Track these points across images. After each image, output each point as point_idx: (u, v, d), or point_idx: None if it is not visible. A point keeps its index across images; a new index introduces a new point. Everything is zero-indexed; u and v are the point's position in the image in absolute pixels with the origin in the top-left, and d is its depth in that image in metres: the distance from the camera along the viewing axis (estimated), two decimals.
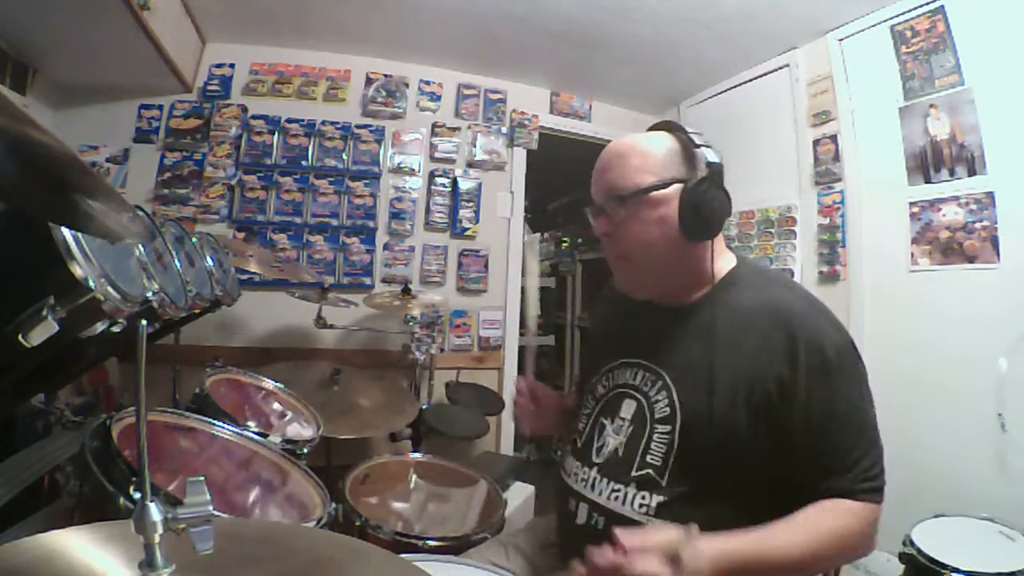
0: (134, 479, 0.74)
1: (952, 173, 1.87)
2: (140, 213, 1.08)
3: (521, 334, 2.99)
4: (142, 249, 0.94)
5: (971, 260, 1.81)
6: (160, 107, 2.58)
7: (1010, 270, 1.72)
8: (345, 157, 2.77)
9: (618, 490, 0.87)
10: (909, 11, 1.99)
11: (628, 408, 0.91)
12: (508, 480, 2.05)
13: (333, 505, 1.07)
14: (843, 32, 2.24)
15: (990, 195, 1.77)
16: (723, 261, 0.93)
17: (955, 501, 1.51)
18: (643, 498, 0.84)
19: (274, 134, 2.69)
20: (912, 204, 1.98)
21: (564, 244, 4.92)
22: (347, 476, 1.37)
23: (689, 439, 0.83)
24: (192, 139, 2.58)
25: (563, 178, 4.35)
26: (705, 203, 0.85)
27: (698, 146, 0.88)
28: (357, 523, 1.23)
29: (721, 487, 0.81)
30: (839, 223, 2.24)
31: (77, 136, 2.43)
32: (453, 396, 2.59)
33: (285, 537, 0.69)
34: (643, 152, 0.89)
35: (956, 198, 1.86)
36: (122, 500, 0.72)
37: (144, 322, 0.50)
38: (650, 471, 0.85)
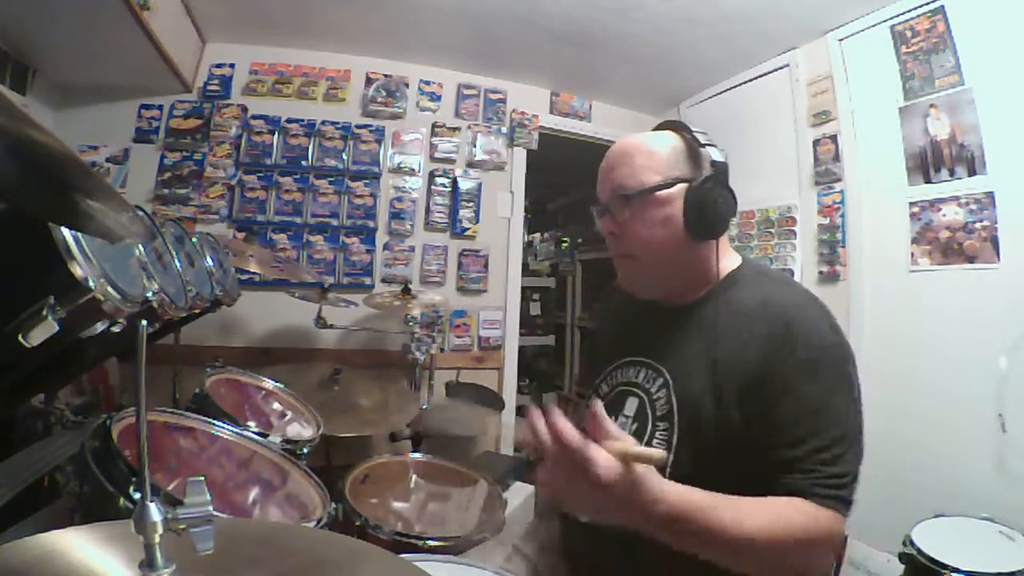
0: (134, 479, 0.74)
1: (952, 173, 1.87)
2: (140, 213, 1.08)
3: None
4: (142, 249, 0.94)
5: (971, 260, 1.81)
6: (160, 107, 2.58)
7: (1010, 270, 1.72)
8: (345, 157, 2.77)
9: None
10: (909, 11, 1.99)
11: (631, 406, 0.92)
12: (508, 480, 2.05)
13: (333, 505, 1.07)
14: (843, 32, 2.24)
15: (990, 195, 1.77)
16: (727, 261, 0.93)
17: (955, 501, 1.51)
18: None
19: (274, 134, 2.69)
20: (912, 204, 1.98)
21: (564, 244, 4.92)
22: (347, 476, 1.37)
23: (687, 436, 0.83)
24: (192, 139, 2.58)
25: (563, 178, 4.36)
26: (709, 202, 0.86)
27: (703, 145, 0.88)
28: (357, 523, 1.23)
29: (724, 484, 0.80)
30: (839, 223, 2.24)
31: (77, 136, 2.43)
32: (453, 396, 2.59)
33: (285, 537, 0.69)
34: (648, 152, 0.90)
35: (956, 198, 1.86)
36: (122, 500, 0.72)
37: (144, 322, 0.50)
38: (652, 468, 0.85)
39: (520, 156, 3.06)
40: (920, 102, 1.96)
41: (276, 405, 1.58)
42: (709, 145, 0.89)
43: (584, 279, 4.62)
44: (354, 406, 1.88)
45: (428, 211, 2.89)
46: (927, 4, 1.94)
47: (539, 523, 1.13)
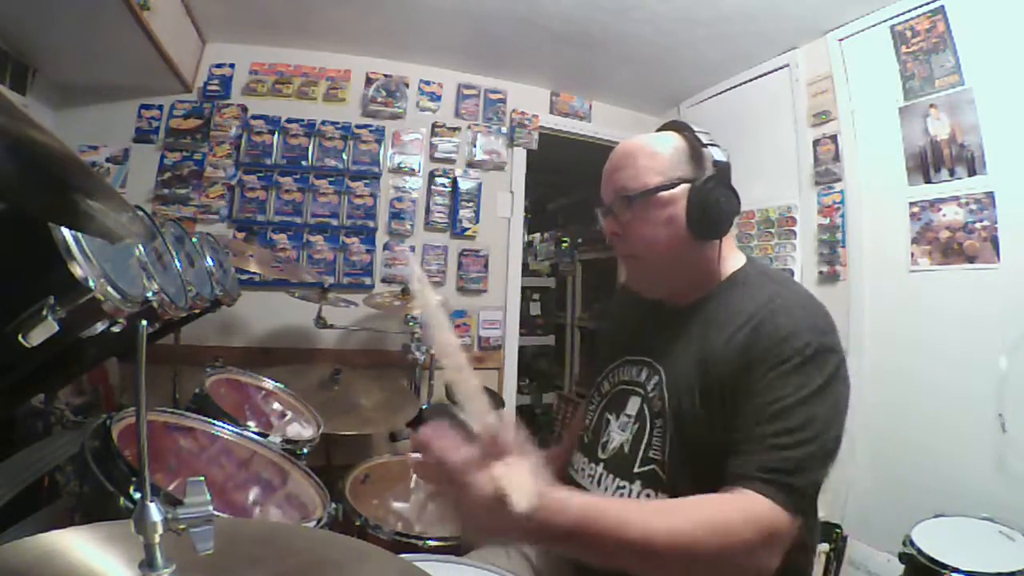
0: (134, 479, 0.74)
1: (952, 173, 1.87)
2: (140, 213, 1.08)
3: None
4: (142, 249, 0.94)
5: (971, 260, 1.81)
6: (160, 107, 2.58)
7: (1010, 270, 1.72)
8: (345, 157, 2.77)
9: (623, 487, 0.87)
10: (909, 11, 1.99)
11: (633, 404, 0.92)
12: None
13: (333, 505, 1.07)
14: (843, 32, 2.24)
15: (990, 195, 1.77)
16: (731, 261, 0.93)
17: (955, 501, 1.51)
18: (647, 496, 0.84)
19: (274, 134, 2.69)
20: (912, 204, 1.98)
21: (564, 244, 4.92)
22: (347, 476, 1.37)
23: (682, 435, 0.83)
24: (192, 139, 2.58)
25: (563, 178, 4.36)
26: (712, 202, 0.86)
27: (705, 145, 0.88)
28: (357, 523, 1.23)
29: (716, 482, 0.80)
30: (839, 223, 2.24)
31: (77, 136, 2.43)
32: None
33: (285, 537, 0.70)
34: (651, 152, 0.90)
35: (956, 198, 1.85)
36: (122, 500, 0.72)
37: (144, 322, 0.50)
38: (654, 467, 0.85)
39: (520, 156, 3.06)
40: (920, 102, 1.96)
41: (276, 405, 1.58)
42: (711, 145, 0.89)
43: (584, 279, 4.62)
44: (354, 406, 1.88)
45: (428, 211, 2.89)
46: (927, 4, 1.94)
47: None
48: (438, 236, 2.91)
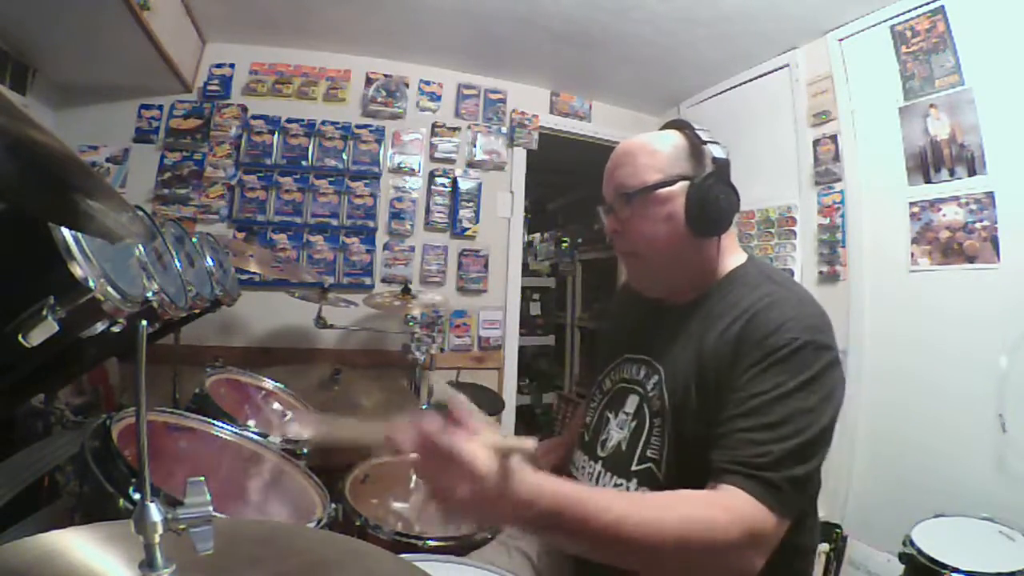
0: (134, 479, 0.74)
1: (952, 173, 1.87)
2: (140, 213, 1.08)
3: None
4: (142, 249, 0.94)
5: (971, 260, 1.81)
6: (160, 107, 2.58)
7: (1010, 270, 1.72)
8: (345, 157, 2.77)
9: (620, 484, 0.87)
10: (909, 11, 1.99)
11: (632, 403, 0.92)
12: None
13: (333, 505, 1.07)
14: (843, 32, 2.24)
15: (990, 195, 1.77)
16: (732, 259, 0.93)
17: (955, 501, 1.51)
18: (644, 493, 0.84)
19: (274, 134, 2.69)
20: (912, 204, 1.98)
21: (564, 244, 4.92)
22: (347, 476, 1.37)
23: (679, 433, 0.83)
24: (192, 139, 2.58)
25: (563, 178, 4.36)
26: (711, 199, 0.86)
27: (705, 143, 0.89)
28: (357, 523, 1.23)
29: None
30: (839, 223, 2.24)
31: (77, 136, 2.43)
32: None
33: (285, 537, 0.69)
34: (650, 150, 0.90)
35: (956, 198, 1.85)
36: (122, 500, 0.72)
37: (144, 322, 0.50)
38: (651, 465, 0.85)
39: (520, 156, 3.06)
40: (920, 102, 1.96)
41: (276, 405, 1.58)
42: (711, 142, 0.89)
43: (584, 279, 4.62)
44: (354, 406, 1.88)
45: (428, 211, 2.89)
46: (927, 4, 1.94)
47: None
48: (438, 236, 2.91)
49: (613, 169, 0.93)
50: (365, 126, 2.80)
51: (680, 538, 0.64)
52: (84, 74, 2.35)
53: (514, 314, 3.06)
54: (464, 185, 2.93)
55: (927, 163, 1.94)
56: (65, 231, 0.64)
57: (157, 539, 0.45)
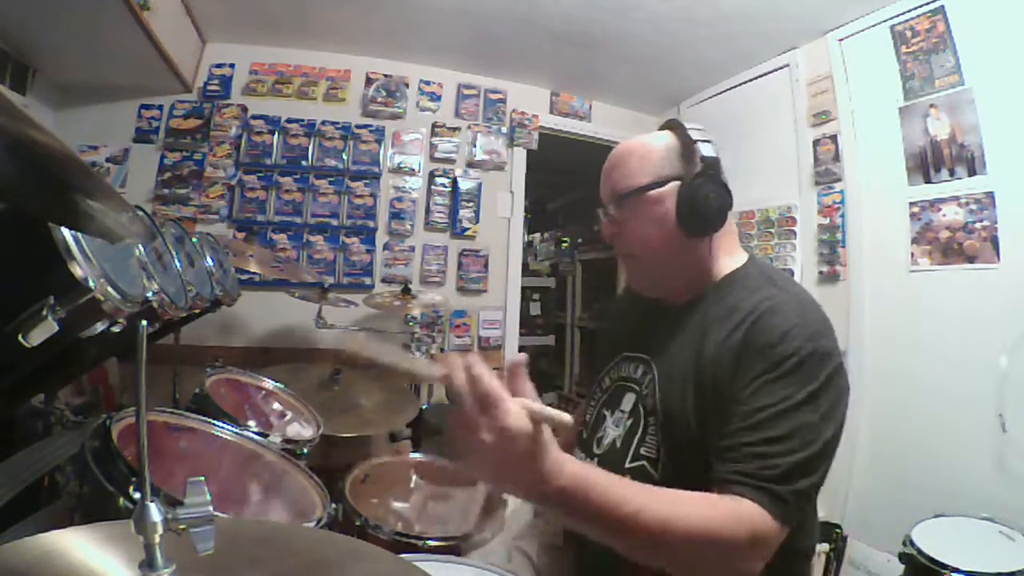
0: (134, 479, 0.74)
1: (952, 173, 1.87)
2: (140, 213, 1.08)
3: None
4: (142, 249, 0.94)
5: (971, 260, 1.81)
6: (160, 107, 2.58)
7: (1010, 270, 1.72)
8: (345, 157, 2.77)
9: None
10: (909, 11, 1.99)
11: (628, 401, 0.92)
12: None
13: (333, 505, 1.07)
14: (843, 32, 2.24)
15: (990, 195, 1.77)
16: (731, 259, 0.92)
17: (955, 501, 1.51)
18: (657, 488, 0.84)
19: (274, 134, 2.69)
20: (912, 204, 1.98)
21: (564, 244, 4.92)
22: (347, 476, 1.37)
23: (674, 432, 0.83)
24: (192, 139, 2.58)
25: (563, 178, 4.37)
26: (701, 198, 0.86)
27: (695, 142, 0.88)
28: (357, 523, 1.23)
29: (705, 483, 0.79)
30: (839, 223, 2.24)
31: (77, 136, 2.43)
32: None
33: (285, 537, 0.69)
34: (642, 153, 0.91)
35: (956, 198, 1.86)
36: (122, 500, 0.72)
37: (144, 322, 0.50)
38: (645, 463, 0.85)
39: (520, 156, 3.06)
40: (920, 102, 1.96)
41: (276, 405, 1.58)
42: (702, 141, 0.89)
43: (584, 279, 4.62)
44: (354, 406, 1.88)
45: (428, 211, 2.89)
46: (927, 4, 1.94)
47: (539, 521, 1.13)
48: (438, 236, 2.91)
49: (608, 172, 0.94)
50: (365, 126, 2.80)
51: (690, 535, 0.65)
52: (84, 74, 2.36)
53: (514, 314, 3.06)
54: (464, 185, 2.93)
55: (927, 163, 1.94)
56: (65, 231, 0.64)
57: (157, 539, 0.45)
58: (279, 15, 2.47)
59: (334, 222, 2.74)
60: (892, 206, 2.04)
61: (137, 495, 0.57)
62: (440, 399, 2.60)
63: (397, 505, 1.39)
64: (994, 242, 1.76)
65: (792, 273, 2.37)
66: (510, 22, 2.42)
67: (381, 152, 2.82)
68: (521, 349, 3.15)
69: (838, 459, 0.78)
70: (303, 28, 2.58)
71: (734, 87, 2.80)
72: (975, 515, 1.43)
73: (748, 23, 2.29)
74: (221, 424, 1.15)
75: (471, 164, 2.97)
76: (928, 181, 1.94)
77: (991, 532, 1.38)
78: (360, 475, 1.42)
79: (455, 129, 2.95)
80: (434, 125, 2.92)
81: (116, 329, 0.77)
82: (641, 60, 2.69)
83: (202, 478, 0.48)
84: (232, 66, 2.68)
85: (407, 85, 2.87)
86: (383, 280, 2.79)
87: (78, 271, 0.64)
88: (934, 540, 1.31)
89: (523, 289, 3.25)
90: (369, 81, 2.82)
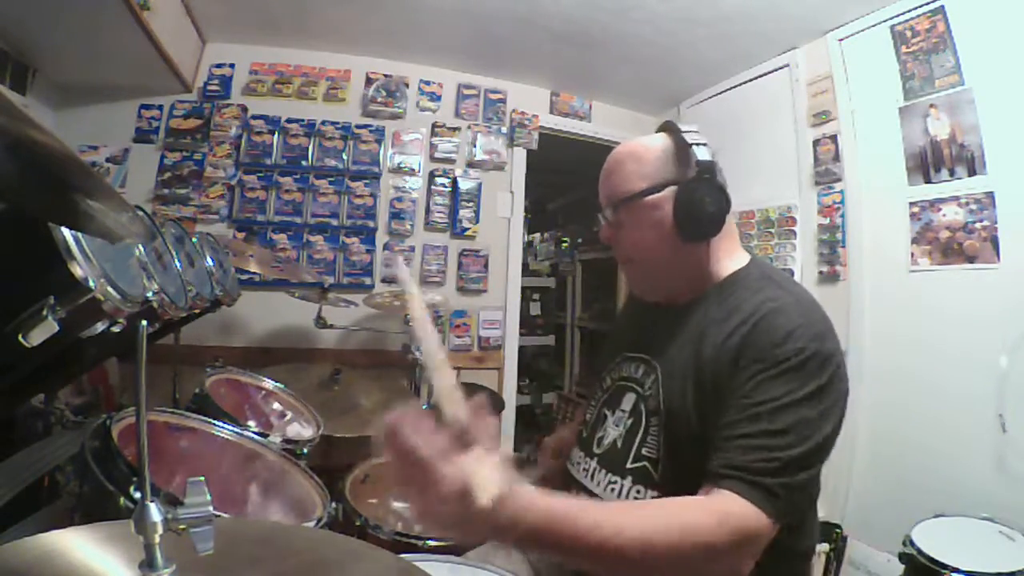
0: (134, 479, 0.74)
1: (952, 173, 1.87)
2: (140, 213, 1.08)
3: None
4: (142, 249, 0.94)
5: (971, 260, 1.81)
6: (160, 107, 2.58)
7: (1010, 270, 1.71)
8: (345, 157, 2.77)
9: (614, 482, 0.87)
10: (909, 11, 1.99)
11: (628, 401, 0.92)
12: None
13: (333, 505, 1.07)
14: (843, 32, 2.24)
15: (990, 195, 1.77)
16: (732, 260, 0.92)
17: (955, 501, 1.51)
18: (638, 492, 0.84)
19: (274, 134, 2.69)
20: (912, 204, 1.98)
21: (564, 244, 4.92)
22: (347, 476, 1.37)
23: (675, 433, 0.83)
24: (192, 139, 2.58)
25: (563, 178, 4.36)
26: (696, 203, 0.85)
27: (691, 145, 0.88)
28: (357, 523, 1.23)
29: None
30: (839, 223, 2.24)
31: (77, 136, 2.43)
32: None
33: (285, 537, 0.70)
34: (638, 157, 0.91)
35: (956, 198, 1.85)
36: (122, 500, 0.72)
37: (144, 322, 0.50)
38: (646, 463, 0.85)
39: (520, 156, 3.06)
40: (920, 102, 1.96)
41: (276, 405, 1.58)
42: (697, 144, 0.88)
43: (584, 279, 4.62)
44: (354, 406, 1.89)
45: (428, 211, 2.89)
46: (927, 4, 1.94)
47: None
48: (438, 236, 2.91)
49: (604, 177, 0.94)
50: (365, 126, 2.80)
51: (671, 548, 0.64)
52: (84, 74, 2.35)
53: (514, 314, 3.06)
54: (464, 185, 2.93)
55: (927, 163, 1.94)
56: (65, 231, 0.64)
57: (157, 539, 0.45)
58: (279, 15, 2.47)
59: (334, 222, 2.74)
60: (892, 206, 2.04)
61: (137, 495, 0.57)
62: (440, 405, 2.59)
63: (397, 505, 1.39)
64: (994, 242, 1.76)
65: (792, 273, 2.37)
66: (510, 22, 2.42)
67: (381, 152, 2.81)
68: (521, 349, 3.16)
69: (838, 459, 0.78)
70: (303, 28, 2.58)
71: (734, 87, 2.80)
72: (975, 515, 1.44)
73: (748, 23, 2.29)
74: (221, 424, 1.15)
75: (471, 164, 2.97)
76: (928, 181, 1.94)
77: (991, 532, 1.38)
78: (360, 475, 1.42)
79: (455, 129, 2.95)
80: (434, 125, 2.92)
81: (116, 329, 0.77)
82: (641, 60, 2.69)
83: (202, 478, 0.48)
84: (232, 66, 2.68)
85: (407, 85, 2.87)
86: (383, 280, 2.78)
87: (78, 271, 0.64)
88: (934, 540, 1.31)
89: (523, 289, 3.24)
90: (369, 81, 2.82)
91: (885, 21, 2.07)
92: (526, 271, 3.80)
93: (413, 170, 2.87)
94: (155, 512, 0.45)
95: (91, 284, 0.66)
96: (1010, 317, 1.66)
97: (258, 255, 2.18)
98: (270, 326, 2.66)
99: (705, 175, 0.86)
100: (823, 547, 1.84)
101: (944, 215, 1.89)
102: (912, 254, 1.97)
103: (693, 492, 0.75)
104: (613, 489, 0.87)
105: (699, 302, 0.90)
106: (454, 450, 0.57)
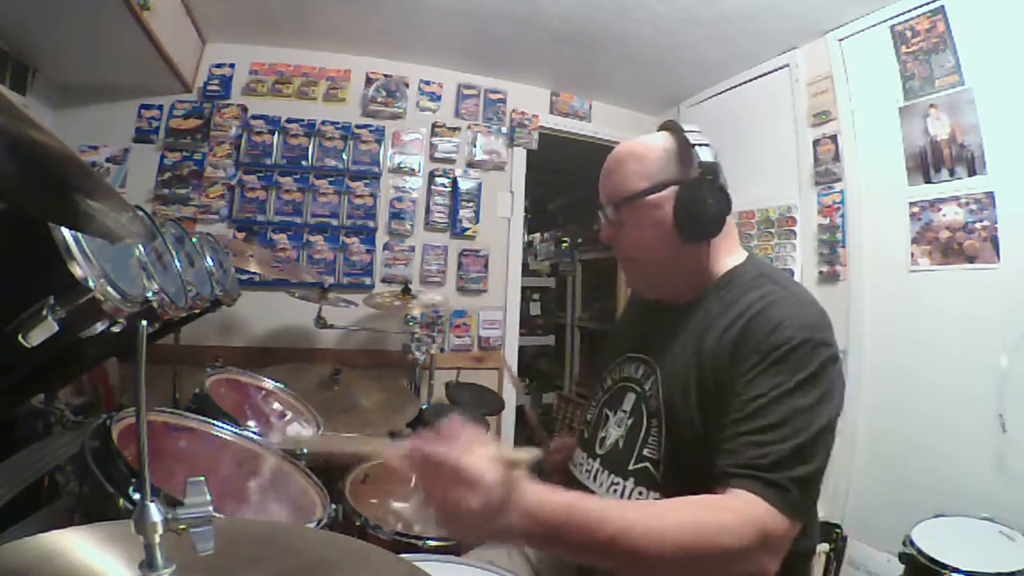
0: (134, 479, 0.74)
1: (952, 173, 1.87)
2: (140, 213, 1.08)
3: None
4: (142, 249, 0.94)
5: (971, 260, 1.81)
6: (160, 107, 2.58)
7: (1010, 270, 1.71)
8: (345, 157, 2.77)
9: (617, 483, 0.87)
10: (909, 11, 1.99)
11: (629, 401, 0.92)
12: None
13: (333, 505, 1.07)
14: (843, 32, 2.24)
15: (990, 195, 1.77)
16: (730, 259, 0.92)
17: (955, 501, 1.51)
18: (640, 494, 0.84)
19: (274, 134, 2.69)
20: (912, 204, 1.98)
21: (564, 244, 4.92)
22: (347, 476, 1.37)
23: (677, 434, 0.83)
24: (192, 139, 2.58)
25: (563, 178, 4.36)
26: (698, 204, 0.85)
27: (693, 145, 0.88)
28: (357, 523, 1.23)
29: (708, 482, 0.78)
30: (839, 223, 2.24)
31: (77, 136, 2.43)
32: (453, 396, 2.59)
33: (285, 537, 0.70)
34: (639, 156, 0.91)
35: (956, 198, 1.85)
36: (122, 500, 0.72)
37: (144, 322, 0.50)
38: (647, 465, 0.85)
39: (520, 156, 3.06)
40: (920, 102, 1.96)
41: (276, 405, 1.58)
42: (700, 145, 0.88)
43: (584, 279, 4.62)
44: (354, 406, 1.89)
45: (428, 211, 2.89)
46: (927, 4, 1.94)
47: None
48: (438, 236, 2.91)
49: (605, 176, 0.94)
50: (365, 126, 2.80)
51: (689, 545, 0.63)
52: (84, 74, 2.35)
53: (514, 314, 3.06)
54: (464, 185, 2.93)
55: (927, 163, 1.94)
56: (65, 231, 0.64)
57: (157, 539, 0.45)
58: (279, 15, 2.47)
59: (334, 222, 2.74)
60: (892, 206, 2.04)
61: (137, 495, 0.57)
62: (440, 399, 2.60)
63: (397, 505, 1.39)
64: (994, 242, 1.76)
65: (792, 273, 2.37)
66: (510, 22, 2.42)
67: (381, 152, 2.81)
68: (521, 349, 3.16)
69: (838, 459, 0.78)
70: (303, 28, 2.58)
71: (734, 87, 2.80)
72: (975, 515, 1.44)
73: (748, 23, 2.29)
74: (221, 424, 1.15)
75: (471, 164, 2.97)
76: (928, 181, 1.94)
77: (991, 532, 1.38)
78: (360, 475, 1.42)
79: (455, 129, 2.95)
80: (434, 125, 2.92)
81: (116, 329, 0.77)
82: (641, 60, 2.69)
83: (202, 478, 0.48)
84: (232, 66, 2.68)
85: (407, 85, 2.87)
86: (383, 280, 2.78)
87: (78, 271, 0.64)
88: (934, 540, 1.31)
89: (523, 289, 3.24)
90: (369, 81, 2.82)
91: (885, 21, 2.07)
92: (526, 271, 3.81)
93: (413, 170, 2.87)
94: (155, 512, 0.45)
95: (91, 284, 0.66)
96: (1010, 317, 1.66)
97: (258, 255, 2.18)
98: (270, 326, 2.66)
99: (708, 176, 0.86)
100: (823, 547, 1.84)
101: (944, 215, 1.89)
102: (912, 254, 1.97)
103: (696, 494, 0.74)
104: (615, 490, 0.87)
105: (699, 301, 0.90)
106: (471, 447, 0.59)
